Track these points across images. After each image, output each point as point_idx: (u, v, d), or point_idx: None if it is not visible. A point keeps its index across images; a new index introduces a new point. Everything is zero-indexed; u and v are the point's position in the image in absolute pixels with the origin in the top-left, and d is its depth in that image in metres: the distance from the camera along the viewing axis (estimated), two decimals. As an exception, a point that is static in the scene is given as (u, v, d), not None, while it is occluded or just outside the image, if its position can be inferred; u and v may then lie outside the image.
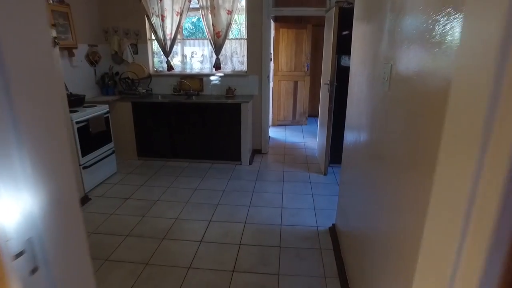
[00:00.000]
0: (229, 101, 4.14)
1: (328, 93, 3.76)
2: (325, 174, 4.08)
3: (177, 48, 4.68)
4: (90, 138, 3.45)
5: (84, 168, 3.36)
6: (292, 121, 6.54)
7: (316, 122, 6.79)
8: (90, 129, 3.41)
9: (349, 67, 3.83)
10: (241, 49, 4.57)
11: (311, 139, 5.66)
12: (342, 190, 2.60)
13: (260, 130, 4.76)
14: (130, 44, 4.57)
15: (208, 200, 3.39)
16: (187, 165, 4.36)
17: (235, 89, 4.55)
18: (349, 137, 2.37)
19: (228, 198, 3.43)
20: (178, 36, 4.59)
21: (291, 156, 4.80)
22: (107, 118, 3.77)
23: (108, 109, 3.80)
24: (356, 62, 2.28)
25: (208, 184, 3.78)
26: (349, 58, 4.00)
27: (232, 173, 4.11)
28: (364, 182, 1.83)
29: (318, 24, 6.36)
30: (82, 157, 3.32)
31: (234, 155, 4.34)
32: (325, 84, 3.85)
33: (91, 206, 3.23)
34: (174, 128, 4.29)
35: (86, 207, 3.20)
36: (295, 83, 6.25)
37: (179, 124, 4.26)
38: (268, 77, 4.57)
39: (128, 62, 4.59)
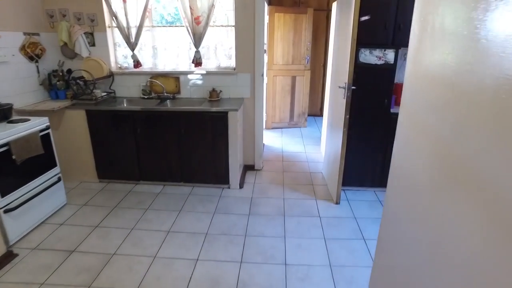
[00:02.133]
0: (213, 109, 3.17)
1: (345, 100, 2.83)
2: (337, 203, 3.19)
3: (147, 38, 3.65)
4: (15, 168, 2.46)
5: (7, 211, 2.38)
6: (290, 123, 5.61)
7: (316, 123, 5.89)
8: (14, 156, 2.41)
9: (370, 65, 2.91)
10: (227, 39, 3.58)
11: (313, 147, 4.75)
12: (384, 242, 1.67)
13: (252, 141, 3.82)
14: (84, 33, 3.52)
15: (184, 252, 2.46)
16: (161, 190, 3.41)
17: (220, 90, 3.57)
18: (407, 152, 1.41)
19: (211, 249, 2.51)
20: (147, 23, 3.56)
21: (291, 173, 3.88)
22: (46, 136, 2.77)
23: (47, 123, 2.80)
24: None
25: (186, 222, 2.85)
26: (371, 52, 3.07)
27: (218, 203, 3.18)
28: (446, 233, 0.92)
29: (319, 8, 5.37)
30: (2, 197, 2.34)
31: (220, 176, 3.41)
32: (340, 87, 2.91)
33: (15, 268, 2.28)
34: (143, 143, 3.32)
35: (7, 271, 2.24)
36: (293, 78, 5.29)
37: (149, 137, 3.29)
38: (262, 75, 3.60)
39: (82, 56, 3.55)
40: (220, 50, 3.62)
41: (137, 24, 3.41)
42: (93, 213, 2.98)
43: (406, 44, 3.25)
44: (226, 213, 3.01)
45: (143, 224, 2.81)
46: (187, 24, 3.34)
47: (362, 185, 3.43)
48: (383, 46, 2.97)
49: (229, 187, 3.46)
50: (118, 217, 2.92)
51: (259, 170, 3.93)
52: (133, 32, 3.45)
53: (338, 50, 3.20)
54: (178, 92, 3.66)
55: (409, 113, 1.43)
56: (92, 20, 3.51)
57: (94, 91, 3.43)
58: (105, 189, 3.41)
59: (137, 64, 3.59)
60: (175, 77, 3.61)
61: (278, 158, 4.34)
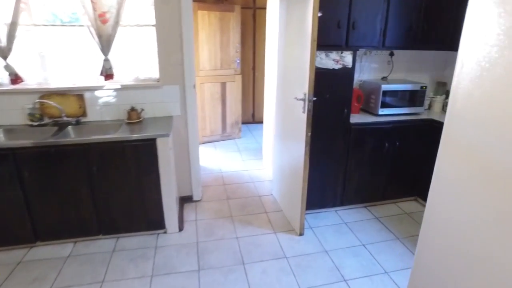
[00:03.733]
0: (136, 136, 2.37)
1: (305, 114, 2.35)
2: (301, 234, 2.71)
3: (29, 43, 2.62)
4: None
5: None
6: (223, 136, 4.99)
7: (250, 131, 5.40)
8: None
9: (327, 70, 2.47)
10: (147, 43, 2.79)
11: (254, 162, 4.22)
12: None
13: (187, 167, 3.11)
14: None
15: None
16: (71, 250, 2.47)
17: (142, 109, 2.77)
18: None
19: None
20: (27, 20, 2.55)
21: (238, 200, 3.28)
22: None
23: None
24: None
25: (113, 300, 2.03)
26: (327, 56, 2.64)
27: (155, 258, 2.41)
28: None
29: (245, 6, 4.86)
30: None
31: (153, 220, 2.62)
32: (298, 99, 2.41)
33: None
34: (36, 190, 2.34)
35: None
36: (223, 85, 4.68)
37: (44, 182, 2.32)
38: (194, 86, 2.91)
39: None
40: (138, 57, 2.81)
41: (9, 21, 2.39)
42: (-43, 313, 1.93)
43: (361, 45, 2.76)
44: (169, 273, 2.27)
45: (45, 319, 1.90)
46: (89, 23, 2.46)
47: (323, 206, 3.03)
48: (338, 47, 2.57)
49: (165, 232, 2.70)
50: (2, 312, 1.94)
51: (198, 201, 3.24)
52: (3, 32, 2.41)
53: (288, 54, 2.70)
54: (84, 114, 2.72)
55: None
56: None
57: None
58: (-21, 263, 2.33)
59: (15, 79, 2.55)
60: (77, 94, 2.67)
61: (217, 181, 3.69)
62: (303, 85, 2.34)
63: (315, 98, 2.34)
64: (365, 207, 3.14)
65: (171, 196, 2.57)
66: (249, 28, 5.18)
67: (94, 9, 2.42)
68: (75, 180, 2.36)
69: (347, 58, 2.56)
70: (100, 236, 2.59)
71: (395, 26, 2.74)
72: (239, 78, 4.76)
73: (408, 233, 2.75)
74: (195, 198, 3.22)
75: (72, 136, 2.54)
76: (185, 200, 3.20)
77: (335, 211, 3.07)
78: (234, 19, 4.37)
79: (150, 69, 2.84)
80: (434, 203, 1.49)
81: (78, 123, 2.66)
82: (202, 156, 4.35)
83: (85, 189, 2.40)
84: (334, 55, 2.53)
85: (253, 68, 5.48)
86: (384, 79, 3.21)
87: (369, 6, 2.60)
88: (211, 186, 3.57)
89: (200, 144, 4.70)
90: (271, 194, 3.39)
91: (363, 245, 2.59)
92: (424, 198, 3.14)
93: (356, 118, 2.85)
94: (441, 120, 2.86)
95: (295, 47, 2.49)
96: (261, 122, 5.85)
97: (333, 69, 2.55)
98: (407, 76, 3.33)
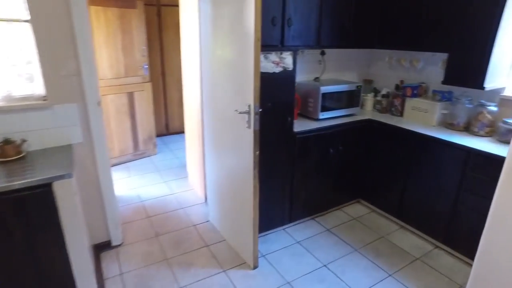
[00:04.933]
0: (16, 184, 1.61)
1: (252, 130, 1.95)
2: (255, 266, 2.31)
3: None
4: None
5: None
6: (135, 154, 4.23)
7: (166, 145, 4.79)
8: None
9: (268, 74, 2.15)
10: (23, 45, 1.98)
11: (179, 182, 3.64)
12: None
13: (100, 206, 2.40)
14: None
15: None
16: None
17: (23, 140, 1.97)
18: None
19: None
20: None
21: (170, 235, 2.70)
22: None
23: None
24: None
25: None
26: (266, 57, 2.27)
27: None
28: None
29: (147, 3, 4.20)
30: None
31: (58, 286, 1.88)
32: (240, 112, 1.98)
33: None
34: None
35: None
36: (130, 95, 3.94)
37: None
38: (100, 103, 2.22)
39: None
40: (8, 66, 1.99)
41: None
42: None
43: (298, 44, 2.47)
44: None
45: None
46: None
47: (271, 227, 2.69)
48: (274, 47, 2.24)
49: (79, 303, 1.98)
50: None
51: (119, 245, 2.55)
52: None
53: (219, 57, 2.25)
54: None
55: None
56: None
57: None
58: None
59: None
60: None
61: (139, 214, 3.02)
62: (246, 95, 1.93)
63: (260, 109, 1.95)
64: (313, 219, 2.92)
65: (83, 257, 1.87)
66: (154, 28, 4.52)
67: None
68: None
69: (288, 59, 2.24)
70: (-27, 336, 1.73)
71: (329, 23, 2.55)
72: (148, 86, 4.08)
73: (363, 241, 2.61)
74: (114, 243, 2.52)
75: None
76: (101, 249, 2.48)
77: (284, 229, 2.76)
78: (137, 17, 3.69)
79: (30, 83, 2.05)
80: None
81: None
82: (115, 182, 3.57)
83: None
84: (273, 56, 2.19)
85: (163, 74, 4.82)
86: (316, 79, 3.03)
87: (304, 0, 2.34)
88: (132, 222, 2.89)
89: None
90: (208, 221, 2.90)
91: (325, 265, 2.33)
92: (367, 199, 3.08)
93: (298, 125, 2.58)
94: (376, 118, 2.80)
95: (229, 49, 2.06)
96: (177, 133, 5.24)
97: (274, 72, 2.21)
98: (338, 75, 3.22)
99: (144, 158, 4.32)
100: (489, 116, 2.37)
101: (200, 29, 2.48)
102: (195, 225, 2.84)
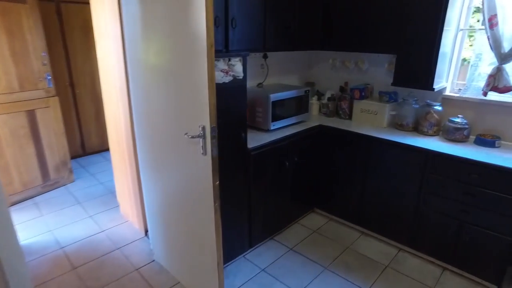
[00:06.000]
0: None
1: (210, 157, 1.58)
2: (222, 312, 1.95)
3: None
4: None
5: None
6: (45, 185, 3.44)
7: (85, 168, 4.09)
8: None
9: (217, 85, 1.86)
10: None
11: (108, 214, 3.04)
12: None
13: None
14: None
15: None
16: None
17: None
18: None
19: None
20: None
21: (107, 289, 2.16)
22: None
23: None
24: None
25: None
26: (214, 66, 1.88)
27: None
28: None
29: (44, -2, 3.43)
30: None
31: None
32: (192, 137, 1.59)
33: None
34: None
35: None
36: (31, 114, 3.16)
37: None
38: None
39: None
40: None
41: None
42: None
43: (244, 48, 1.99)
44: None
45: None
46: None
47: (231, 257, 2.35)
48: (219, 53, 1.91)
49: None
50: None
51: (38, 318, 1.93)
52: None
53: (155, 67, 1.80)
54: None
55: None
56: None
57: None
58: None
59: None
60: None
61: (61, 266, 2.38)
62: (198, 115, 1.56)
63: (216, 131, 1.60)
64: (272, 238, 2.67)
65: None
66: (54, 30, 3.72)
67: None
68: None
69: (237, 66, 1.92)
70: None
71: (274, 24, 2.30)
72: (55, 101, 3.33)
73: (330, 256, 2.45)
74: (28, 318, 1.90)
75: None
76: (9, 331, 1.83)
77: (244, 256, 2.45)
78: (28, 16, 2.93)
79: None
80: None
81: None
82: (18, 227, 2.80)
83: None
84: (221, 64, 1.84)
85: (71, 85, 4.04)
86: (260, 85, 2.77)
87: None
88: (51, 280, 2.24)
89: (10, 207, 3.06)
90: (153, 260, 2.43)
91: (298, 294, 2.10)
92: (322, 207, 2.95)
93: (249, 139, 2.27)
94: (325, 124, 2.67)
95: (169, 56, 1.65)
96: (96, 152, 4.50)
97: (223, 83, 1.87)
98: (280, 79, 3.01)
99: (58, 189, 3.54)
100: (436, 116, 2.40)
101: (124, 31, 1.99)
102: (138, 268, 2.34)
